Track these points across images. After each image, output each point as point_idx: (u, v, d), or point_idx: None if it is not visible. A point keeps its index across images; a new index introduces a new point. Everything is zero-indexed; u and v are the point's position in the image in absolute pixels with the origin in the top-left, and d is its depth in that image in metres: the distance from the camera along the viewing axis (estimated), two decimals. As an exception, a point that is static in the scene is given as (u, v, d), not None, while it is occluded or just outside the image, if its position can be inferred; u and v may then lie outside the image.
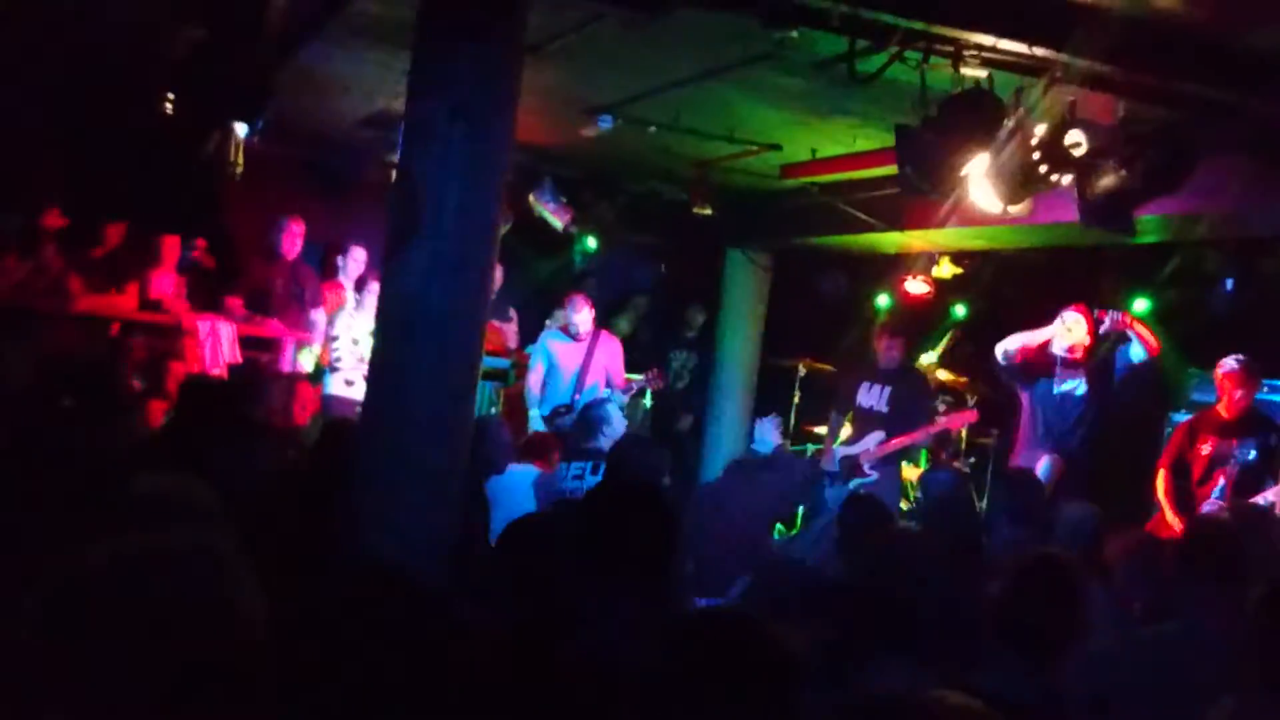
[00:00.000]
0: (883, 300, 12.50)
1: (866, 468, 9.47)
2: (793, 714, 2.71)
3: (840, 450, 9.74)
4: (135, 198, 10.02)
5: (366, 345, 9.60)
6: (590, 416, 7.89)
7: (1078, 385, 8.63)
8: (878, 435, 9.50)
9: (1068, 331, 8.58)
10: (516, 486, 7.09)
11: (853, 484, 9.39)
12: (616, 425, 7.79)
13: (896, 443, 9.32)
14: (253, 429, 6.20)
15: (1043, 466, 8.38)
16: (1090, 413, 8.61)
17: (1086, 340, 8.60)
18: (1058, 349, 8.60)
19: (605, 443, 7.38)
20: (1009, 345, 8.77)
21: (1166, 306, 11.57)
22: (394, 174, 5.77)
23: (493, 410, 10.86)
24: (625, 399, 10.24)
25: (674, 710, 2.70)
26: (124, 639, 1.66)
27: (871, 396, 9.67)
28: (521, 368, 10.91)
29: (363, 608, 2.59)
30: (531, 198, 10.79)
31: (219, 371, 9.73)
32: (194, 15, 6.39)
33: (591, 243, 12.32)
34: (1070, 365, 8.62)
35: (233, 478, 4.68)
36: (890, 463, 9.46)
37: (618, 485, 5.03)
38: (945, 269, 11.70)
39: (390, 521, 5.39)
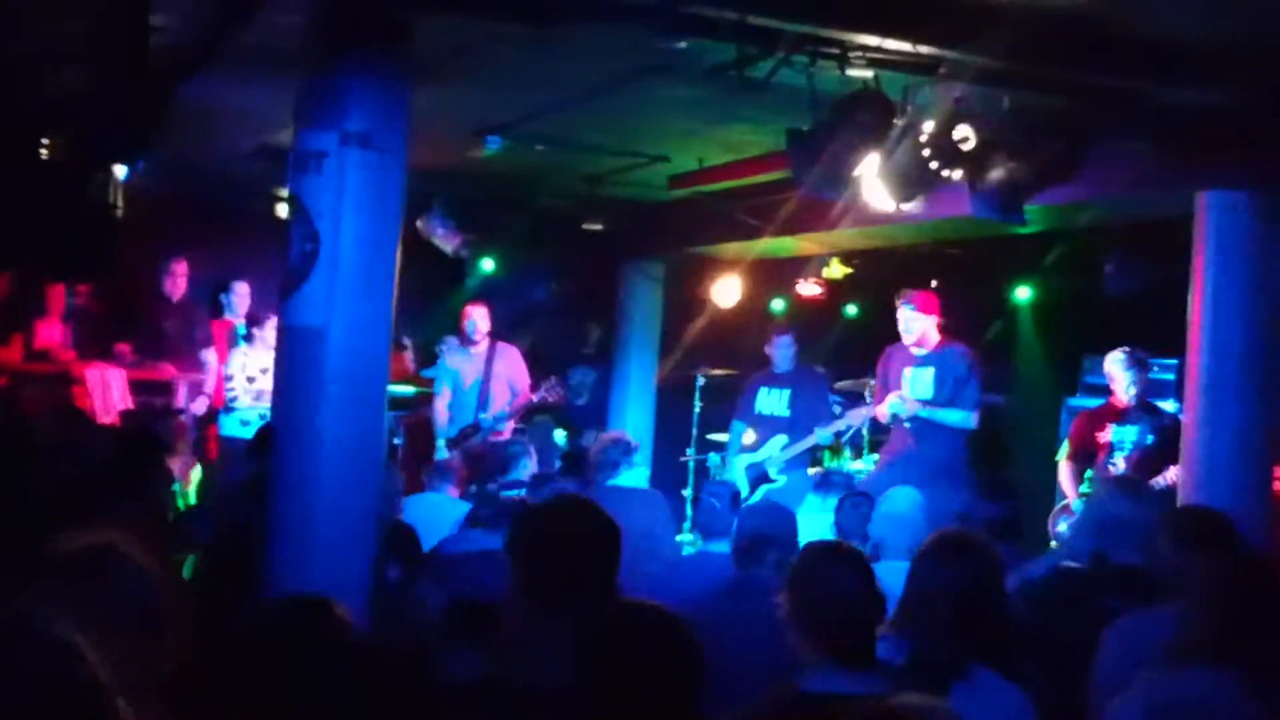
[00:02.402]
0: (778, 304, 12.60)
1: (774, 472, 9.52)
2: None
3: (744, 458, 9.76)
4: (17, 246, 9.77)
5: (262, 383, 9.46)
6: (507, 453, 7.91)
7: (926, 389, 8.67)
8: (780, 439, 9.54)
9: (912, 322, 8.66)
10: (436, 514, 7.00)
11: (762, 490, 9.43)
12: (533, 459, 7.82)
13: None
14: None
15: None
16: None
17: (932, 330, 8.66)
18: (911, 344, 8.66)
19: (523, 475, 7.39)
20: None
21: (1054, 294, 11.81)
22: (286, 206, 5.67)
23: (396, 441, 10.76)
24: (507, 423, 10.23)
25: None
26: None
27: (771, 401, 9.71)
28: (424, 395, 10.85)
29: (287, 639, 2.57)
30: (420, 223, 10.70)
31: (111, 419, 9.51)
32: (72, 55, 6.24)
33: (487, 265, 12.27)
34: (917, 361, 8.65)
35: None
36: (798, 465, 9.50)
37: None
38: (836, 270, 11.82)
39: (304, 560, 5.31)
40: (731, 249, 11.17)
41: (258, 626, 2.81)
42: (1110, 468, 8.13)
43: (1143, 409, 8.27)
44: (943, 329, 8.73)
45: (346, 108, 5.37)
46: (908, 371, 8.68)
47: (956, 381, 8.50)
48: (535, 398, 10.30)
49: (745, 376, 10.32)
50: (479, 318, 10.33)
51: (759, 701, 3.48)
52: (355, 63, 5.40)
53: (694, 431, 11.43)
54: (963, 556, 4.04)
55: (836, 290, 12.11)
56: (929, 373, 8.58)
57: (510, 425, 10.34)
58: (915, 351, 8.67)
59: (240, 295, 10.94)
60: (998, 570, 4.15)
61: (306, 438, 5.41)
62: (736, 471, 9.76)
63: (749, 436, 9.91)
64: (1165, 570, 4.51)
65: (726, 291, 11.71)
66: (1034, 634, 4.61)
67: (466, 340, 10.38)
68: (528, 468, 7.61)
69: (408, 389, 11.21)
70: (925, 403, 8.50)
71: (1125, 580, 4.75)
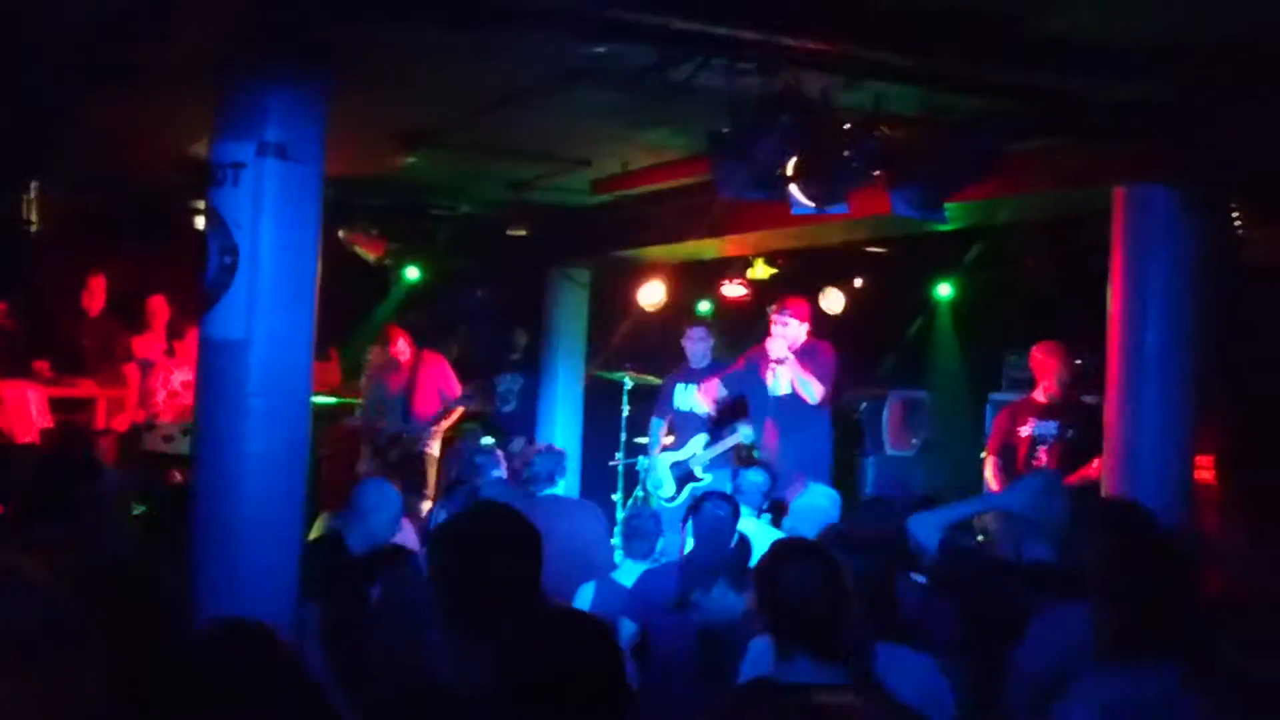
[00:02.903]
0: (704, 306, 12.63)
1: (699, 471, 9.52)
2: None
3: (668, 457, 9.76)
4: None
5: (185, 397, 9.35)
6: (476, 460, 7.91)
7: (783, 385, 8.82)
8: (702, 437, 9.55)
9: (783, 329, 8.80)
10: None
11: (689, 489, 9.44)
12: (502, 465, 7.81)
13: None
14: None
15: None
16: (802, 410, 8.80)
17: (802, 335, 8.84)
18: (776, 350, 8.77)
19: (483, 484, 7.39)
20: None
21: (976, 290, 11.93)
22: (205, 218, 5.60)
23: (321, 452, 10.67)
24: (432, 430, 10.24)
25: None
26: None
27: (688, 396, 9.74)
28: (350, 405, 10.79)
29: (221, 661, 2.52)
30: (342, 232, 10.62)
31: (30, 438, 9.36)
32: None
33: (412, 273, 12.20)
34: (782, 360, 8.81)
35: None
36: (723, 464, 9.51)
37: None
38: (760, 270, 11.85)
39: (229, 575, 5.25)
40: (656, 252, 11.18)
41: (192, 656, 2.76)
42: (1034, 462, 8.20)
43: (1063, 402, 8.35)
44: (811, 333, 9.01)
45: (264, 118, 5.33)
46: (773, 367, 8.85)
47: (816, 365, 8.67)
48: (457, 399, 10.32)
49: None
50: (400, 343, 10.35)
51: (736, 690, 3.52)
52: (272, 73, 5.36)
53: (622, 436, 11.41)
54: (857, 549, 4.31)
55: (761, 291, 12.14)
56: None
57: (437, 434, 10.32)
58: (773, 358, 8.89)
59: (157, 309, 10.80)
60: (891, 558, 4.57)
61: (229, 452, 5.36)
62: (661, 471, 9.76)
63: (671, 439, 9.93)
64: (1082, 565, 4.62)
65: (652, 295, 11.73)
66: (960, 621, 4.74)
67: (390, 362, 10.37)
68: (498, 475, 7.60)
69: (333, 399, 11.12)
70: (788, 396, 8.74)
71: (1044, 578, 4.87)
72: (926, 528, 5.31)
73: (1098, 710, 3.53)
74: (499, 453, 7.95)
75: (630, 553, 6.38)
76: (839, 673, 3.48)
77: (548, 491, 7.41)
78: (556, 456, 7.64)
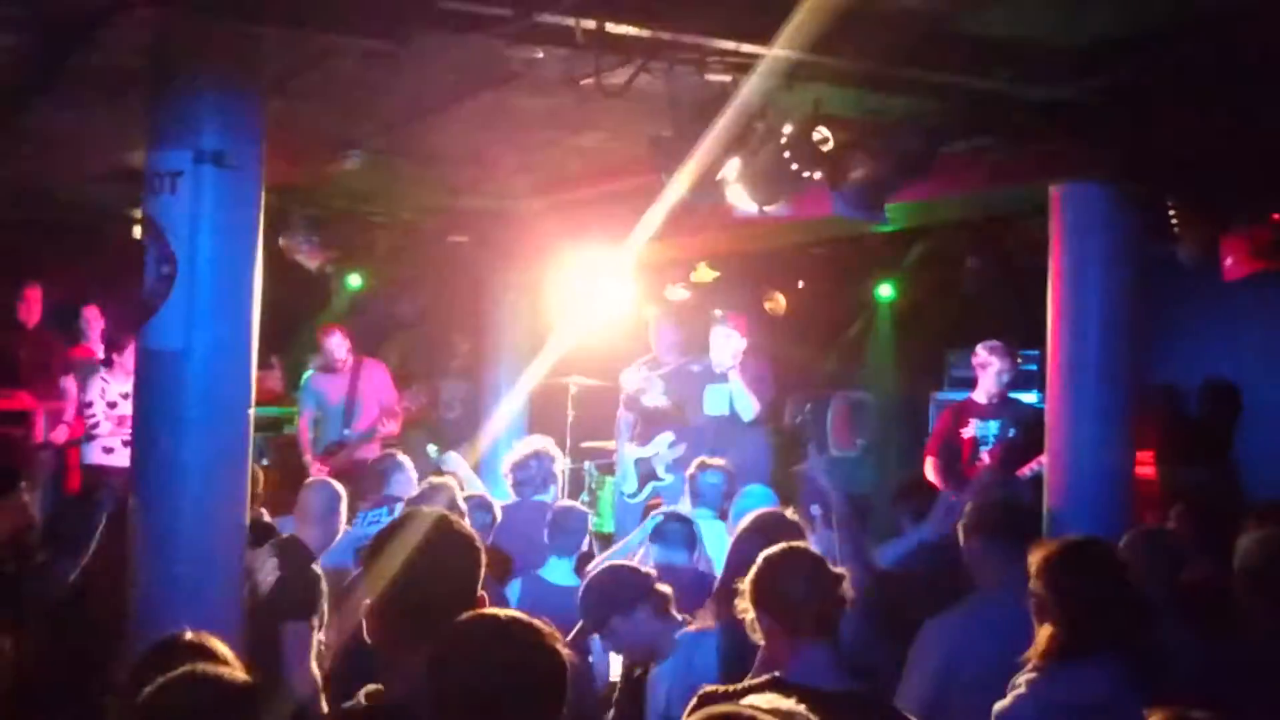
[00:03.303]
0: (649, 310, 12.61)
1: (661, 470, 9.49)
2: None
3: (633, 451, 9.73)
4: None
5: (124, 408, 9.25)
6: (380, 468, 7.84)
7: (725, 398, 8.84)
8: (667, 436, 9.53)
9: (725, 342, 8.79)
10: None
11: (650, 487, 9.43)
12: (408, 471, 7.76)
13: None
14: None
15: None
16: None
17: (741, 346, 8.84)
18: (720, 363, 8.78)
19: (398, 489, 7.30)
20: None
21: (918, 290, 12.00)
22: (142, 228, 5.55)
23: (264, 461, 10.59)
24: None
25: None
26: None
27: (655, 395, 9.72)
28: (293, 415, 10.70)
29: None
30: (282, 240, 10.53)
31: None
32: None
33: (354, 281, 12.12)
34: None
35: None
36: (685, 466, 9.48)
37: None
38: (704, 274, 11.87)
39: (170, 587, 5.19)
40: (598, 256, 11.15)
41: (137, 673, 2.73)
42: (977, 463, 8.27)
43: (1003, 402, 8.43)
44: (750, 349, 9.02)
45: (200, 126, 5.28)
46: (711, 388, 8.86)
47: (757, 382, 8.65)
48: (398, 408, 10.27)
49: (616, 385, 10.29)
50: (337, 343, 10.25)
51: (743, 687, 3.56)
52: (207, 80, 5.31)
53: (567, 440, 11.38)
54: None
55: (705, 294, 12.16)
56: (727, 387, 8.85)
57: (377, 440, 10.27)
58: (718, 370, 8.88)
59: (90, 320, 10.68)
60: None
61: (169, 464, 5.30)
62: (626, 465, 9.74)
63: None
64: (974, 564, 4.76)
65: (595, 299, 11.69)
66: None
67: (329, 366, 10.28)
68: (404, 481, 7.53)
69: (276, 409, 11.04)
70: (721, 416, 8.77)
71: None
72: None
73: (1044, 711, 3.57)
74: (402, 459, 7.89)
75: (554, 550, 6.39)
76: (844, 669, 3.61)
77: (538, 498, 7.39)
78: (550, 461, 7.61)
